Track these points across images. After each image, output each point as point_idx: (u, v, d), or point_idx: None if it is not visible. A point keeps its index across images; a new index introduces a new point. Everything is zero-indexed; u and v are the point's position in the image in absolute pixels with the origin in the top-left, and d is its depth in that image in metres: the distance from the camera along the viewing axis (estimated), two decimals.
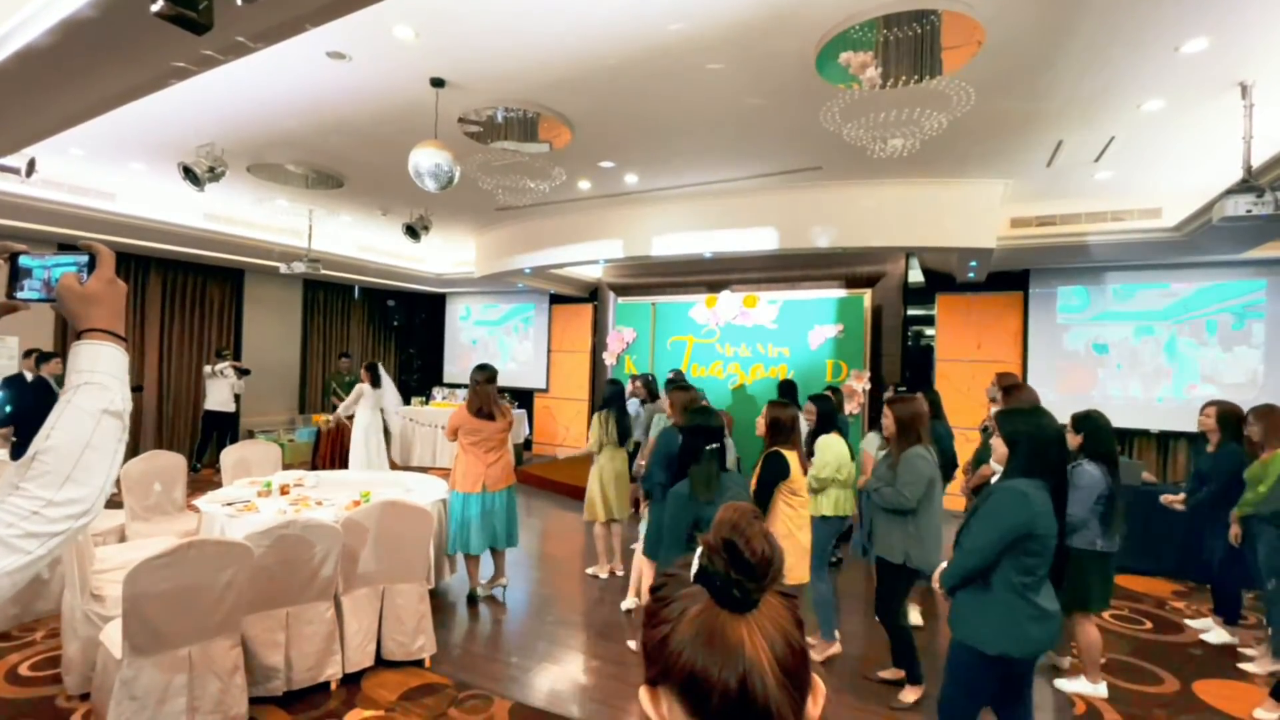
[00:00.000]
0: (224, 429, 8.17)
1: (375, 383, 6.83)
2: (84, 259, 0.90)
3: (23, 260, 0.93)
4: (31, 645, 3.39)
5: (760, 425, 3.15)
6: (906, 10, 2.88)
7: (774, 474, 3.01)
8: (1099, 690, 3.28)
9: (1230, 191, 3.46)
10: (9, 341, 6.82)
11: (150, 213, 6.57)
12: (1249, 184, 3.42)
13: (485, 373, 4.19)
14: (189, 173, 4.72)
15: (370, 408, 6.78)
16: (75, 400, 0.81)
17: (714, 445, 2.39)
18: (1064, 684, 3.35)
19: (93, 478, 0.80)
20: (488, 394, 4.13)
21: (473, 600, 4.25)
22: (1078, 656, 3.39)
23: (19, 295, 0.93)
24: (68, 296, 0.87)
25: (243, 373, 8.19)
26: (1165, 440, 6.83)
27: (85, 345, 0.84)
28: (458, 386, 10.41)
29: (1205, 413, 4.07)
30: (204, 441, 8.20)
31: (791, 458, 3.03)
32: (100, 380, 0.83)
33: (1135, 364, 6.87)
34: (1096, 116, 3.93)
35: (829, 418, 3.86)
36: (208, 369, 7.99)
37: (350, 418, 7.10)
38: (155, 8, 1.80)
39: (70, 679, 2.92)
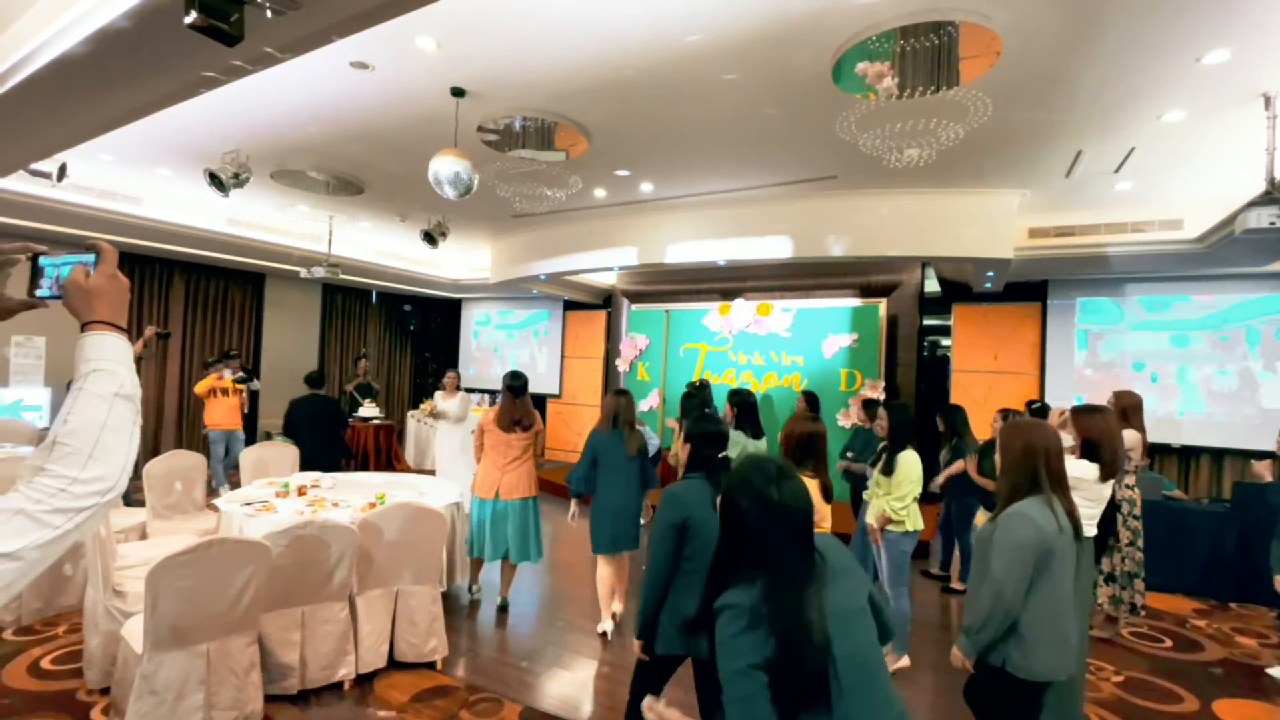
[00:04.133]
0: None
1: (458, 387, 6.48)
2: (90, 256, 0.94)
3: (41, 260, 0.98)
4: (54, 639, 3.46)
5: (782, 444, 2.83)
6: (924, 21, 2.89)
7: None
8: None
9: (1253, 203, 3.42)
10: (36, 342, 6.98)
11: (176, 217, 6.72)
12: (1272, 196, 3.38)
13: (519, 381, 4.10)
14: (214, 179, 4.82)
15: (460, 413, 6.44)
16: (87, 387, 0.85)
17: (723, 453, 2.31)
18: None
19: (114, 456, 0.84)
20: (525, 406, 4.09)
21: (474, 602, 4.27)
22: None
23: (38, 294, 0.98)
24: (73, 291, 0.91)
25: (247, 378, 7.80)
26: (1187, 454, 6.73)
27: (90, 336, 0.89)
28: (473, 390, 10.49)
29: None
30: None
31: (813, 486, 2.70)
32: (107, 367, 0.87)
33: (1161, 377, 6.77)
34: (1116, 127, 3.90)
35: (905, 429, 3.57)
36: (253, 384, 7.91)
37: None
38: (188, 20, 1.86)
39: (91, 673, 2.97)
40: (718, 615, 1.28)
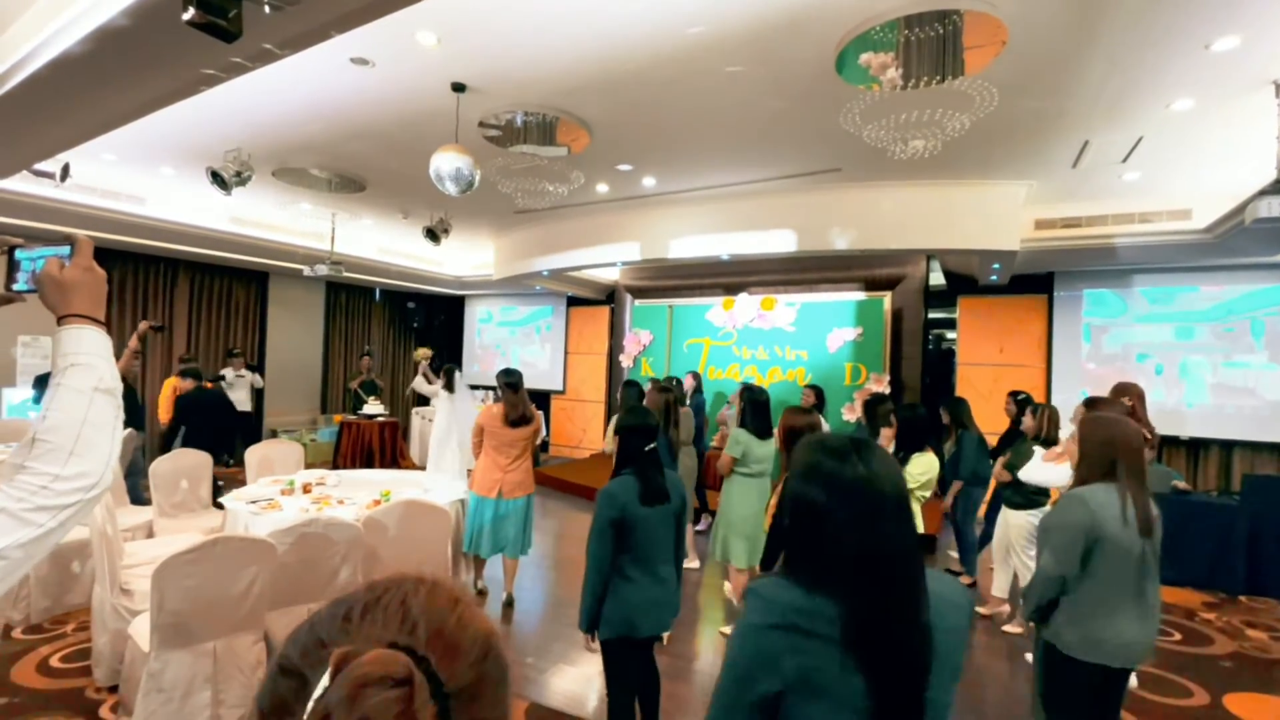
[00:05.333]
0: (244, 428, 8.28)
1: (450, 388, 6.43)
2: (65, 249, 0.93)
3: (17, 253, 0.97)
4: (62, 638, 3.47)
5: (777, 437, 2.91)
6: (928, 11, 2.85)
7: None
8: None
9: (1263, 192, 3.38)
10: (43, 341, 7.01)
11: (179, 216, 6.73)
12: None
13: (513, 378, 4.11)
14: (216, 177, 4.82)
15: (448, 412, 6.40)
16: (65, 382, 0.84)
17: (651, 445, 2.37)
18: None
19: (96, 451, 0.83)
20: (523, 400, 4.09)
21: (480, 593, 4.28)
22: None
23: (14, 288, 0.97)
24: (47, 284, 0.89)
25: (250, 368, 8.14)
26: (1195, 447, 6.68)
27: (67, 330, 0.87)
28: (477, 387, 10.49)
29: None
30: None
31: None
32: (85, 361, 0.85)
33: (1166, 369, 6.72)
34: (1124, 116, 3.86)
35: (913, 434, 3.48)
36: (227, 376, 8.01)
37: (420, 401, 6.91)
38: (186, 16, 1.85)
39: (99, 671, 2.99)
40: (746, 598, 1.04)
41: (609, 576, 2.32)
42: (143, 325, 5.28)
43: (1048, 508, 2.91)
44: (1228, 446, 6.54)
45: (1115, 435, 2.04)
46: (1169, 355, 6.70)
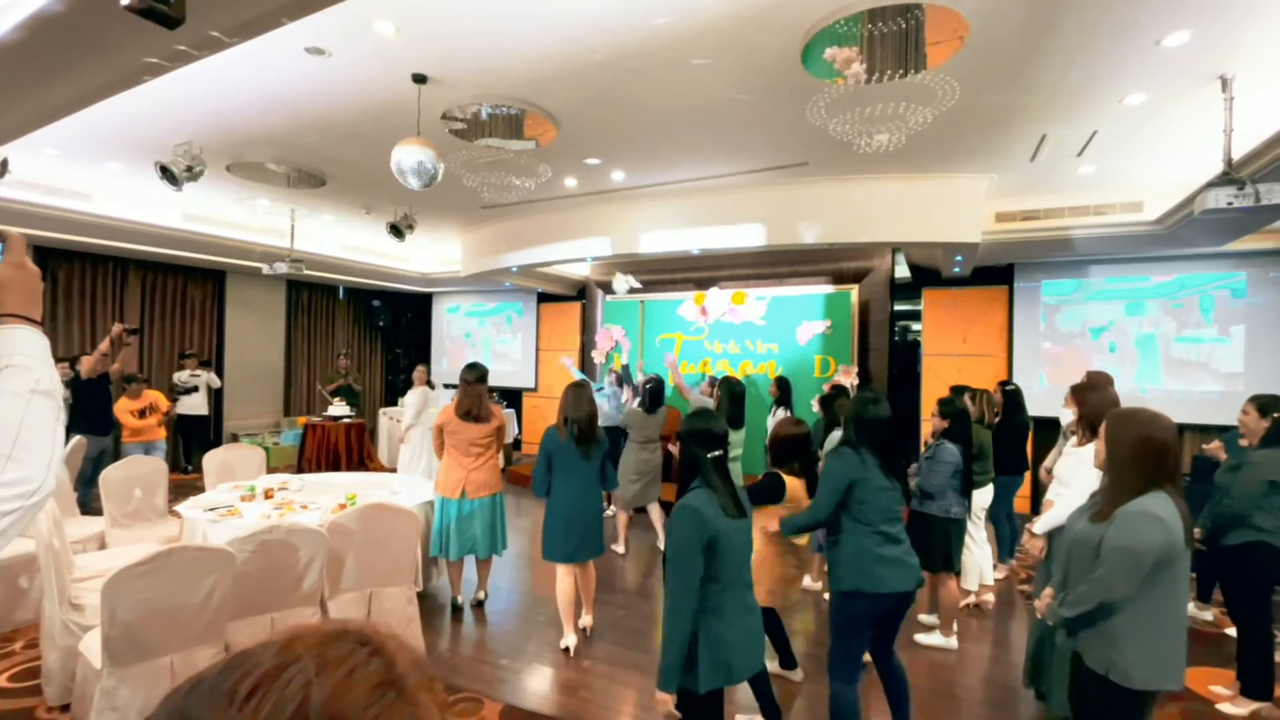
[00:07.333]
0: (200, 433, 8.04)
1: (429, 384, 6.55)
2: None
3: None
4: (10, 656, 3.32)
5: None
6: (891, 4, 2.87)
7: (761, 495, 2.75)
8: (950, 643, 3.70)
9: (1211, 184, 3.48)
10: None
11: (127, 213, 6.46)
12: (1230, 176, 3.44)
13: (475, 372, 4.00)
14: (166, 172, 4.63)
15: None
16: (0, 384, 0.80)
17: (716, 453, 2.09)
18: (922, 638, 3.75)
19: (35, 456, 0.79)
20: (477, 395, 3.98)
21: (456, 609, 4.13)
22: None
23: None
24: None
25: (205, 364, 8.12)
26: None
27: (0, 330, 0.84)
28: (448, 387, 10.33)
29: (1246, 410, 3.31)
30: (185, 447, 8.09)
31: (798, 485, 2.79)
32: (21, 362, 0.82)
33: (1120, 347, 6.93)
34: (1079, 110, 3.95)
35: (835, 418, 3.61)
36: (179, 380, 7.79)
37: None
38: (125, 1, 1.75)
39: (50, 690, 2.86)
40: (846, 445, 2.48)
41: (697, 615, 1.92)
42: (116, 328, 5.04)
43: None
44: (1178, 430, 6.78)
45: (1153, 433, 1.81)
46: (1122, 332, 6.89)
